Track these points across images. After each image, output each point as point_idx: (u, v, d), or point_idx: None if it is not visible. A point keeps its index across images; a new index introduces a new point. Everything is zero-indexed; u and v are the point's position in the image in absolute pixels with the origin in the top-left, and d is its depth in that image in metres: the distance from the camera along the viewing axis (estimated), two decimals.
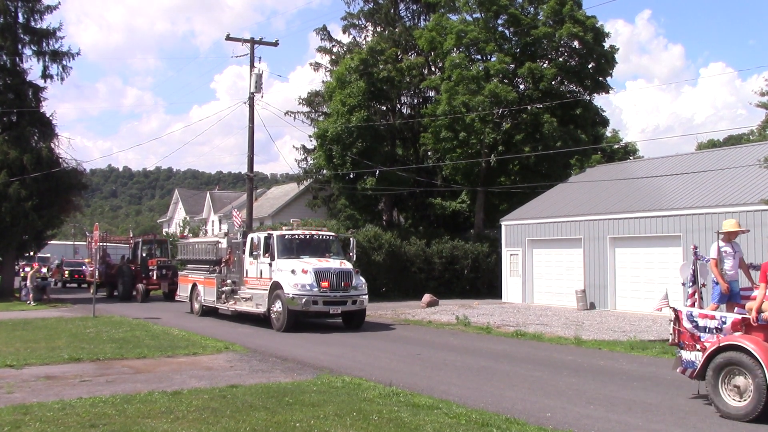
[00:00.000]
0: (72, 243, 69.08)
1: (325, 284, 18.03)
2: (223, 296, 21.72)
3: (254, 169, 33.28)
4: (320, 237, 20.22)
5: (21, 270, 42.89)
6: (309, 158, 41.13)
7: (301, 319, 19.00)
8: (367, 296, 19.26)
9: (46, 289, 29.80)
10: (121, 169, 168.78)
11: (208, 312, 23.06)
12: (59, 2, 33.02)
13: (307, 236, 19.91)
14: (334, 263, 18.84)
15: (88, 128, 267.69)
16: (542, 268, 27.88)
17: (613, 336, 16.95)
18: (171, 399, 9.14)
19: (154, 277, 32.04)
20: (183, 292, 25.10)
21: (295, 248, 19.29)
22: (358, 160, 34.14)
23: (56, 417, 8.10)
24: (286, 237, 19.49)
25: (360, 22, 41.89)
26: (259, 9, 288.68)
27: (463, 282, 33.77)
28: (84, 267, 43.29)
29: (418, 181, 36.82)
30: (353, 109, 34.79)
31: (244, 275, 20.70)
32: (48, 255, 50.11)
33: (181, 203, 69.60)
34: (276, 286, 18.49)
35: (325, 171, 37.44)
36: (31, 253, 38.30)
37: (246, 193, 35.17)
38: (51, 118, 33.18)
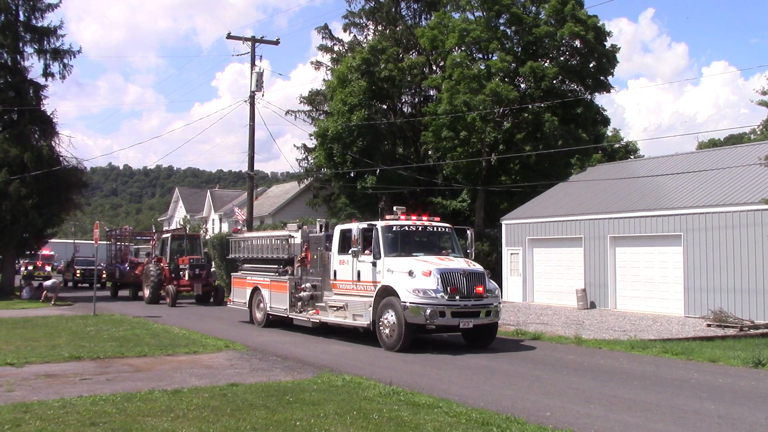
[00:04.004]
0: (72, 241, 69.16)
1: (453, 290, 14.25)
2: (300, 304, 17.72)
3: (255, 168, 33.39)
4: (434, 229, 16.31)
5: (24, 268, 42.90)
6: (310, 157, 41.21)
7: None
8: (501, 305, 15.57)
9: (47, 288, 28.98)
10: (121, 167, 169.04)
11: (276, 322, 19.08)
12: (60, 0, 33.09)
13: (419, 228, 16.07)
14: (459, 263, 15.07)
15: (89, 126, 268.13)
16: (542, 267, 27.89)
17: (614, 335, 16.95)
18: (171, 397, 9.14)
19: (186, 278, 28.51)
20: (239, 297, 20.93)
21: (405, 243, 15.60)
22: (359, 158, 34.15)
23: (57, 415, 8.10)
24: (394, 228, 15.63)
25: (361, 21, 41.98)
26: (262, 7, 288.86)
27: None
28: (101, 266, 40.23)
29: (419, 179, 36.81)
30: (354, 107, 34.82)
31: (331, 277, 16.66)
32: (53, 253, 49.98)
33: (182, 202, 69.65)
34: (386, 292, 14.69)
35: (325, 170, 37.47)
36: (33, 252, 37.99)
37: (246, 192, 35.24)
38: (52, 116, 33.27)
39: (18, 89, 32.16)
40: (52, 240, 43.69)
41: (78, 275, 41.57)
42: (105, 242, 40.11)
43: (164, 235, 31.93)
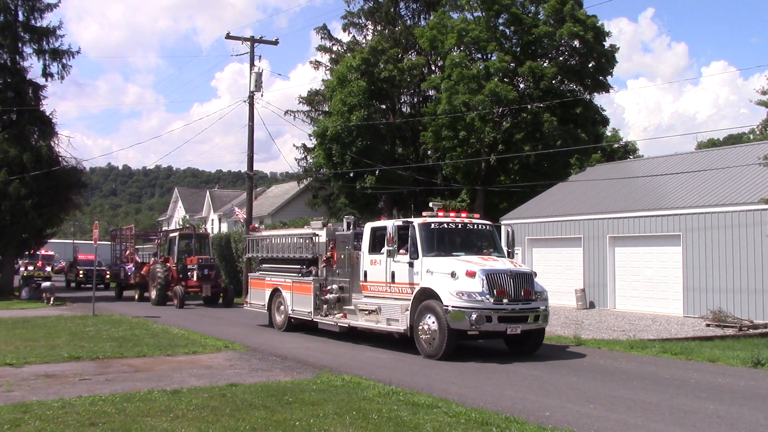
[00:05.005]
0: (72, 241, 69.16)
1: (500, 293, 13.17)
2: (325, 306, 16.68)
3: (254, 168, 33.40)
4: (475, 227, 15.24)
5: (24, 269, 42.85)
6: (309, 157, 41.21)
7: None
8: (549, 309, 14.33)
9: (45, 289, 29.01)
10: (120, 167, 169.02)
11: (299, 326, 18.01)
12: (59, 0, 33.10)
13: (459, 225, 14.94)
14: (504, 263, 14.03)
15: (89, 126, 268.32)
16: (542, 267, 27.78)
17: (613, 335, 16.95)
18: (170, 398, 9.14)
19: (194, 278, 27.60)
20: (257, 299, 19.80)
21: (444, 242, 14.54)
22: (358, 158, 34.15)
23: (56, 415, 8.10)
24: (433, 226, 14.53)
25: (360, 21, 42.01)
26: (262, 7, 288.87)
27: None
28: (103, 266, 39.74)
29: (418, 180, 36.81)
30: (353, 108, 34.83)
31: (361, 278, 15.55)
32: (52, 253, 49.93)
33: (181, 202, 69.69)
34: (425, 295, 13.61)
35: (324, 170, 37.48)
36: (32, 252, 37.90)
37: (246, 192, 35.21)
38: (51, 116, 33.33)
39: (17, 89, 32.17)
40: (52, 240, 43.63)
41: (81, 276, 40.64)
42: (108, 243, 39.96)
43: (172, 234, 30.93)
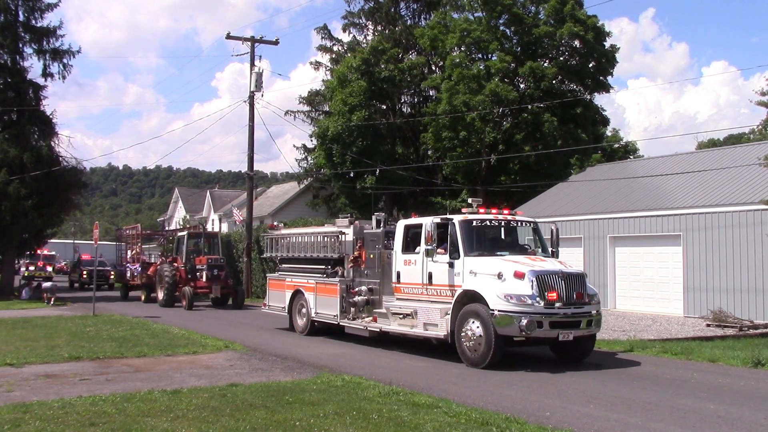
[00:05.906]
0: (72, 241, 69.19)
1: (552, 296, 12.13)
2: (353, 309, 15.65)
3: (254, 168, 33.45)
4: (519, 224, 14.22)
5: (26, 269, 42.87)
6: (309, 157, 41.25)
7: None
8: (601, 314, 13.32)
9: (46, 289, 28.99)
10: (121, 167, 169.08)
11: (322, 330, 17.06)
12: (59, 0, 33.09)
13: (503, 223, 13.92)
14: (553, 263, 12.99)
15: (89, 126, 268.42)
16: None
17: (613, 335, 16.94)
18: (171, 398, 9.14)
19: (204, 279, 26.87)
20: (276, 301, 18.77)
21: (486, 241, 13.58)
22: (359, 158, 34.17)
23: (56, 415, 8.11)
24: (474, 223, 13.44)
25: (360, 21, 42.07)
26: (262, 7, 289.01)
27: None
28: (107, 266, 40.00)
29: (419, 180, 36.82)
30: (354, 108, 34.86)
31: (393, 279, 14.54)
32: (54, 253, 49.99)
33: (181, 202, 69.70)
34: (468, 297, 12.58)
35: (325, 170, 37.50)
36: (33, 252, 37.88)
37: (246, 192, 35.23)
38: (51, 116, 33.31)
39: (17, 89, 32.17)
40: (52, 240, 43.64)
41: (84, 276, 39.99)
42: (109, 243, 39.89)
43: (180, 234, 30.15)
